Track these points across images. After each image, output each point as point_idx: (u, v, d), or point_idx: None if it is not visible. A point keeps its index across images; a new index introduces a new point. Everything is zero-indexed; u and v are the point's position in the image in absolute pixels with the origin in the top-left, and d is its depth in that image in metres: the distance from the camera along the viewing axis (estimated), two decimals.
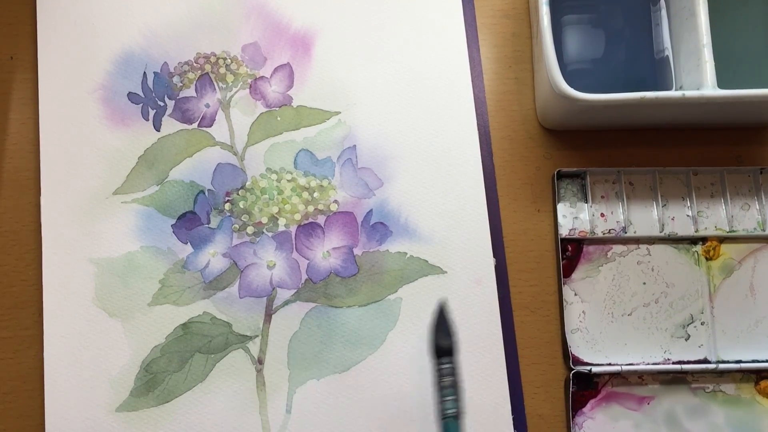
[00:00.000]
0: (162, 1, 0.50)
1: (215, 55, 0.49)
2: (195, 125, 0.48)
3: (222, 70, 0.49)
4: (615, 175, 0.49)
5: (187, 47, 0.49)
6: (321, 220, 0.47)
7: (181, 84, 0.49)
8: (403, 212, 0.47)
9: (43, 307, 0.45)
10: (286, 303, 0.46)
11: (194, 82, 0.49)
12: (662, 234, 0.48)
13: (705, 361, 0.46)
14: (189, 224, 0.47)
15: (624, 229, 0.48)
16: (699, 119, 0.48)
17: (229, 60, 0.49)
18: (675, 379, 0.46)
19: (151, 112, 0.48)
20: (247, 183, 0.47)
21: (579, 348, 0.47)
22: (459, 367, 0.42)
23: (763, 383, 0.46)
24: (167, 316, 0.45)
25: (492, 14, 0.51)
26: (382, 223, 0.47)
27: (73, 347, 0.44)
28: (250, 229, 0.46)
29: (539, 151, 0.49)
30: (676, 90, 0.48)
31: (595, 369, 0.45)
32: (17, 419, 0.44)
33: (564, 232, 0.48)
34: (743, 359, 0.46)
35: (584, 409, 0.46)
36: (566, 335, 0.46)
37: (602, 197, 0.48)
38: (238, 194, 0.47)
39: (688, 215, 0.48)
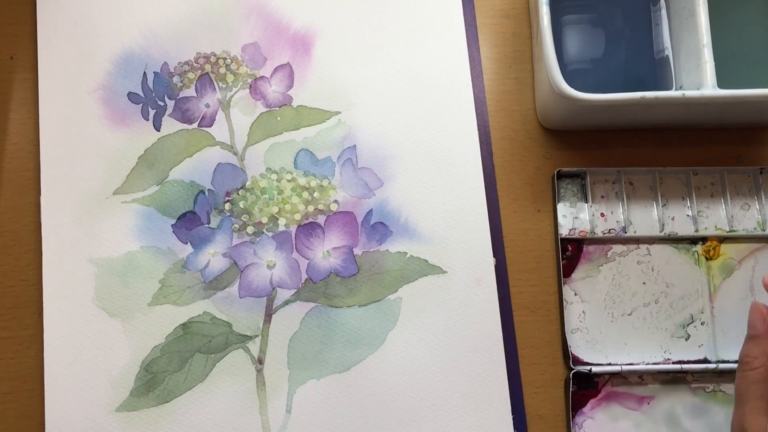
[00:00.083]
0: (162, 1, 0.50)
1: (215, 55, 0.49)
2: (195, 125, 0.48)
3: (222, 70, 0.49)
4: (615, 175, 0.49)
5: (187, 47, 0.49)
6: (321, 220, 0.47)
7: (181, 84, 0.49)
8: (403, 212, 0.47)
9: (43, 307, 0.45)
10: (286, 303, 0.46)
11: (194, 82, 0.49)
12: (662, 234, 0.48)
13: (705, 361, 0.46)
14: (189, 224, 0.47)
15: (624, 229, 0.48)
16: (699, 119, 0.48)
17: (229, 60, 0.49)
18: (675, 378, 0.46)
19: (151, 112, 0.48)
20: (247, 183, 0.47)
21: (579, 348, 0.47)
22: None
23: None
24: (167, 316, 0.45)
25: (492, 14, 0.51)
26: (382, 223, 0.47)
27: (73, 347, 0.44)
28: (250, 229, 0.46)
29: (539, 151, 0.49)
30: (676, 90, 0.48)
31: (595, 369, 0.45)
32: (17, 419, 0.44)
33: (564, 232, 0.48)
34: None
35: (584, 409, 0.46)
36: (566, 335, 0.46)
37: (602, 197, 0.48)
38: (238, 194, 0.47)
39: (688, 215, 0.48)
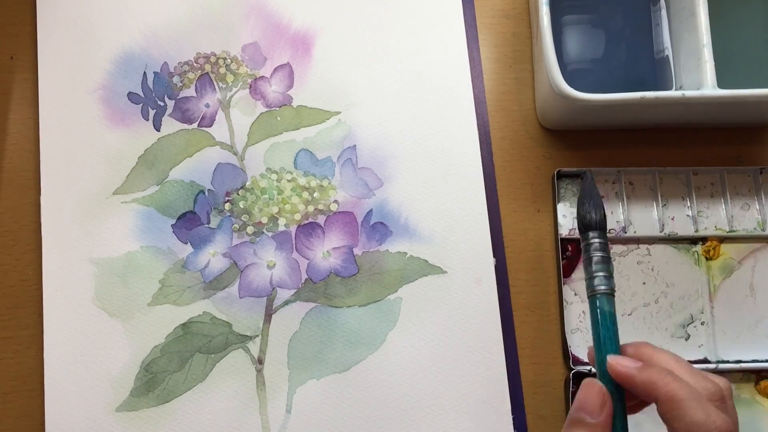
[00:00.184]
0: (162, 1, 0.50)
1: (215, 55, 0.49)
2: (195, 125, 0.48)
3: (222, 70, 0.49)
4: (615, 175, 0.49)
5: (187, 47, 0.49)
6: (321, 220, 0.47)
7: (181, 84, 0.49)
8: (403, 212, 0.47)
9: (43, 307, 0.45)
10: (286, 303, 0.46)
11: (194, 82, 0.49)
12: (662, 234, 0.48)
13: (705, 361, 0.46)
14: (189, 224, 0.47)
15: (624, 229, 0.48)
16: (699, 119, 0.48)
17: (229, 60, 0.49)
18: None
19: (151, 112, 0.48)
20: (247, 183, 0.47)
21: (579, 348, 0.47)
22: (607, 241, 0.37)
23: (763, 383, 0.46)
24: (167, 316, 0.45)
25: (492, 14, 0.51)
26: (382, 223, 0.47)
27: (73, 347, 0.44)
28: (250, 229, 0.46)
29: (539, 151, 0.49)
30: (676, 90, 0.48)
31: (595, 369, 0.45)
32: (17, 419, 0.44)
33: (564, 232, 0.48)
34: (743, 359, 0.46)
35: None
36: (566, 335, 0.46)
37: (602, 197, 0.48)
38: (238, 194, 0.47)
39: (688, 215, 0.48)
